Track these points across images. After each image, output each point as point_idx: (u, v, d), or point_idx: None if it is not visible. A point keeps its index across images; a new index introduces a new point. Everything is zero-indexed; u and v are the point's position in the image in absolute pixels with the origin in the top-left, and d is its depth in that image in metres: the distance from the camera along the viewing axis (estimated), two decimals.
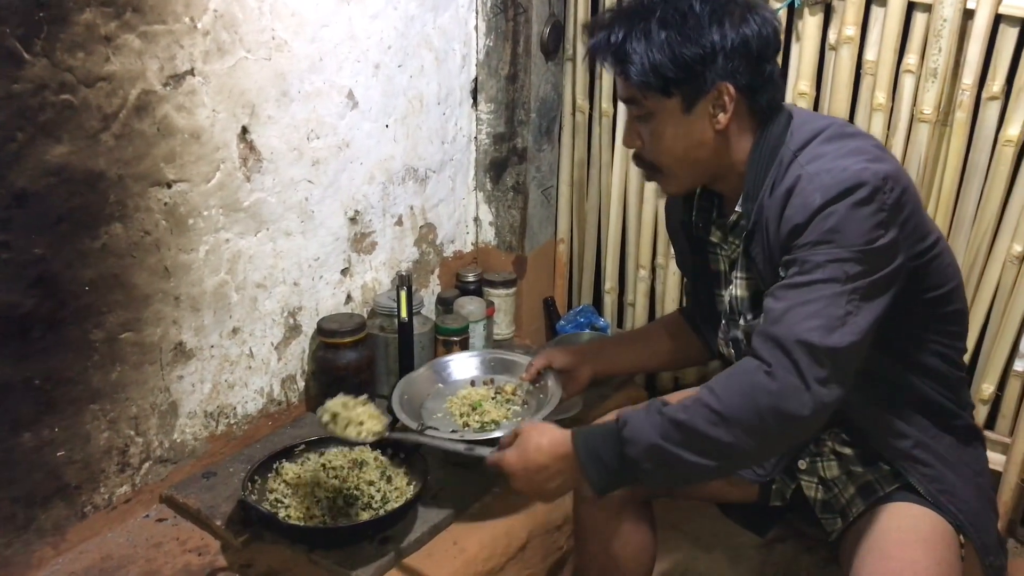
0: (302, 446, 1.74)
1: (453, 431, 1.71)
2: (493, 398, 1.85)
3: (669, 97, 1.30)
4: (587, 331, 2.33)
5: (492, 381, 1.91)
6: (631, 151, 1.44)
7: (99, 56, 1.41)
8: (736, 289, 1.44)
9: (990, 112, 1.77)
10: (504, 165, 2.29)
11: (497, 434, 1.67)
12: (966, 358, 1.86)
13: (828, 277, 1.19)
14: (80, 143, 1.42)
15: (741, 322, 1.45)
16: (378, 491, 1.64)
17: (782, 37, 1.92)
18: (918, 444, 1.36)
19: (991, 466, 1.86)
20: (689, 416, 1.20)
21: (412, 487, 1.66)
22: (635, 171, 2.22)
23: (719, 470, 1.23)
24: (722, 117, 1.31)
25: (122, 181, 1.50)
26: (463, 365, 1.95)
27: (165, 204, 1.58)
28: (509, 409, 1.81)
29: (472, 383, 1.91)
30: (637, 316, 2.37)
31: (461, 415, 1.79)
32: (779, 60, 1.36)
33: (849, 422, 1.40)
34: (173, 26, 1.51)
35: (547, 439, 1.30)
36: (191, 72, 1.56)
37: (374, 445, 1.70)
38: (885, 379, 1.36)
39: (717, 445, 1.19)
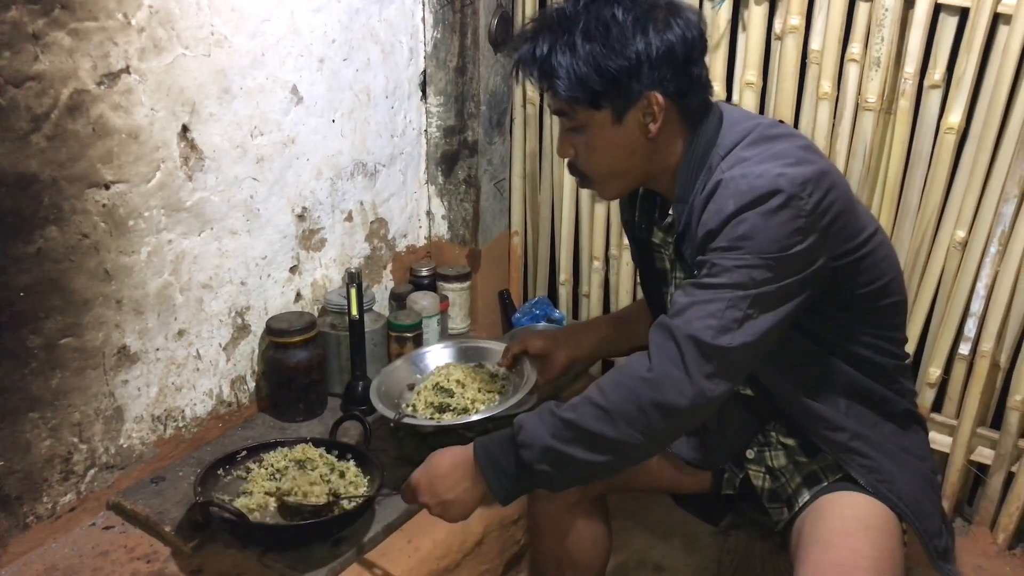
0: (244, 452, 1.71)
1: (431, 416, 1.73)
2: (476, 373, 1.83)
3: (599, 109, 1.30)
4: (542, 323, 2.33)
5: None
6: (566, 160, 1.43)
7: (27, 55, 1.37)
8: (676, 288, 1.44)
9: (932, 100, 1.79)
10: (455, 158, 2.27)
11: (475, 418, 1.69)
12: (913, 343, 1.91)
13: (734, 282, 1.21)
14: (9, 145, 1.38)
15: None
16: (331, 489, 1.62)
17: (728, 27, 1.96)
18: (855, 436, 1.37)
19: (938, 448, 1.91)
20: (577, 415, 1.24)
21: (366, 484, 1.64)
22: None
23: (611, 465, 1.27)
24: (652, 126, 1.31)
25: (56, 183, 1.46)
26: (439, 355, 1.93)
27: (103, 206, 1.55)
28: (488, 394, 1.78)
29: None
30: (592, 307, 2.37)
31: (438, 404, 1.75)
32: (706, 61, 1.35)
33: (788, 415, 1.41)
34: (106, 23, 1.46)
35: (449, 453, 1.36)
36: (127, 70, 1.52)
37: (316, 443, 1.73)
38: (818, 372, 1.37)
39: (605, 440, 1.23)
